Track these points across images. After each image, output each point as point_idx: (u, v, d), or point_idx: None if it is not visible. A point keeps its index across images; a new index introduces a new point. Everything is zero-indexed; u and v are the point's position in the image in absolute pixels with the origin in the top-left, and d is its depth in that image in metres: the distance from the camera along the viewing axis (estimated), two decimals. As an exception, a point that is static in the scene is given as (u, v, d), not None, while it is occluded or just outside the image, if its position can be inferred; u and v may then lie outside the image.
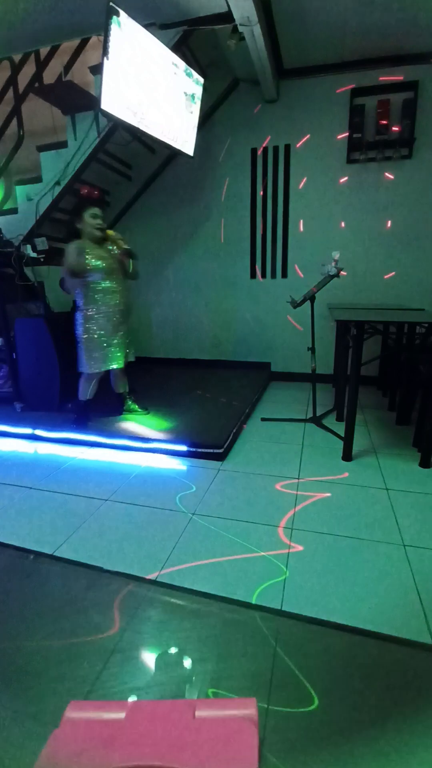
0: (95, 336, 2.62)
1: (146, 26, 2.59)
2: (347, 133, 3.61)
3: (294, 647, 1.18)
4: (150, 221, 4.39)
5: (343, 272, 2.56)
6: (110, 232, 2.65)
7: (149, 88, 2.78)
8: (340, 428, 2.57)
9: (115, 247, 2.67)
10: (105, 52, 2.40)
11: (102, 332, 2.63)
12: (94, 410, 2.90)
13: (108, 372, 2.83)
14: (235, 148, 3.96)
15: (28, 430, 2.79)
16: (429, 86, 3.39)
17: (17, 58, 3.53)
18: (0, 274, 3.09)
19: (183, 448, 2.50)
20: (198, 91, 3.25)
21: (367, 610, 1.30)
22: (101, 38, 2.42)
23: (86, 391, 2.75)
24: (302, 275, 3.97)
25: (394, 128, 3.47)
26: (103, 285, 2.60)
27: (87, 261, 2.51)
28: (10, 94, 3.63)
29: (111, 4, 2.32)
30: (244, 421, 2.96)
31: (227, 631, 1.25)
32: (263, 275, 4.17)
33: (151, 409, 3.10)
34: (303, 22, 2.95)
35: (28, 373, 3.06)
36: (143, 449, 2.56)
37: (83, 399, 2.78)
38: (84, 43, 3.28)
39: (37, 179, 3.43)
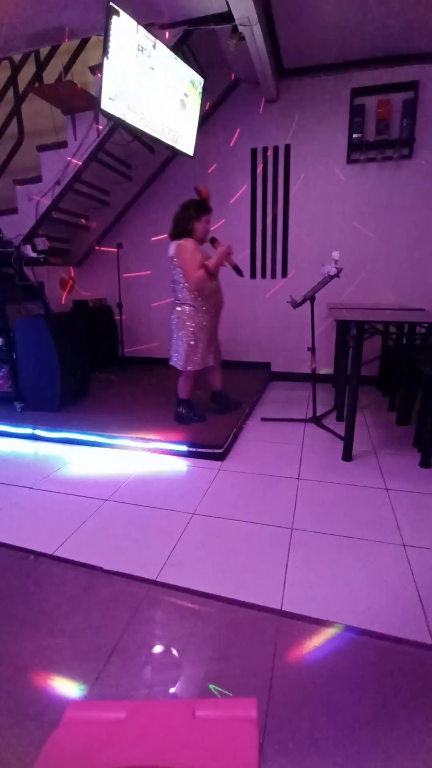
0: (201, 333, 2.63)
1: (146, 26, 2.59)
2: (347, 133, 3.61)
3: (294, 647, 1.18)
4: (150, 221, 4.38)
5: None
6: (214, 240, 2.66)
7: (149, 87, 2.79)
8: (340, 428, 2.57)
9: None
10: (105, 52, 2.40)
11: (206, 328, 2.66)
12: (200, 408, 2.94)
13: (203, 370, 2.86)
14: (235, 148, 3.96)
15: (28, 430, 2.79)
16: (429, 86, 3.39)
17: (17, 58, 3.53)
18: (0, 274, 3.09)
19: (183, 448, 2.50)
20: (198, 91, 3.25)
21: (367, 610, 1.30)
22: (101, 38, 2.43)
23: (188, 387, 2.78)
24: (302, 275, 3.97)
25: (394, 128, 3.47)
26: (210, 285, 2.63)
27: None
28: (10, 94, 3.63)
29: (111, 4, 2.33)
30: (244, 421, 2.96)
31: (227, 631, 1.25)
32: (263, 275, 4.17)
33: (152, 409, 3.10)
34: (303, 22, 2.95)
35: (28, 373, 3.06)
36: (143, 449, 2.56)
37: (187, 397, 2.79)
38: (84, 43, 3.28)
39: (37, 179, 3.43)
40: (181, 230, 2.57)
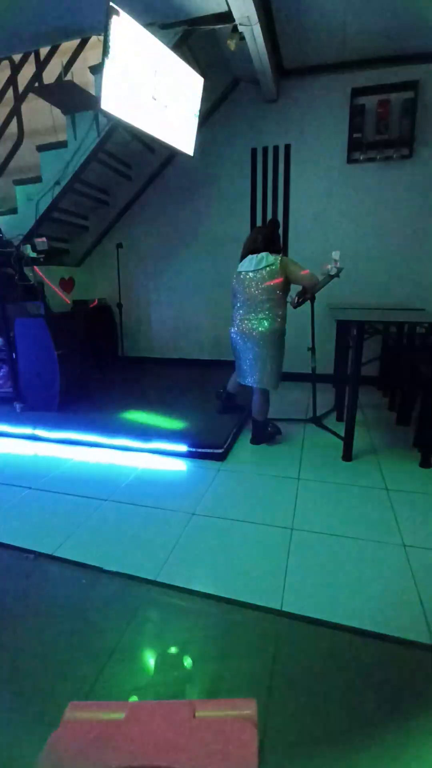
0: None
1: (146, 26, 2.59)
2: (347, 133, 3.61)
3: (294, 647, 1.18)
4: (150, 221, 4.39)
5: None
6: None
7: (149, 87, 2.78)
8: (340, 428, 2.57)
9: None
10: (105, 51, 2.40)
11: None
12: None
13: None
14: (235, 148, 3.96)
15: (28, 430, 2.79)
16: (429, 86, 3.39)
17: (17, 58, 3.53)
18: (0, 273, 3.09)
19: (183, 448, 2.50)
20: (198, 90, 3.25)
21: (367, 610, 1.30)
22: (101, 38, 2.43)
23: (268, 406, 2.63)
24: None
25: (394, 128, 3.47)
26: None
27: None
28: (10, 94, 3.63)
29: (111, 4, 2.32)
30: (244, 421, 2.96)
31: (227, 631, 1.25)
32: (263, 275, 4.17)
33: (151, 410, 3.11)
34: (303, 22, 2.95)
35: (28, 373, 3.06)
36: (143, 449, 2.56)
37: (266, 418, 2.64)
38: (84, 43, 3.28)
39: (37, 179, 3.43)
40: (278, 246, 2.54)
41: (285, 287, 2.46)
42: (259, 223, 4.07)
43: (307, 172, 3.83)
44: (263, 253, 2.43)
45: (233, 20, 2.60)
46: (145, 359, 4.77)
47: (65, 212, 3.87)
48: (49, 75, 3.36)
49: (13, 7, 2.69)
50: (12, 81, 3.61)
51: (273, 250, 2.47)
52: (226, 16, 2.62)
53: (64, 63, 3.22)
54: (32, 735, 0.94)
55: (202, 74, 3.22)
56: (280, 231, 3.98)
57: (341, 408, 3.06)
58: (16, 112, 3.63)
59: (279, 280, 2.40)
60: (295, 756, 0.91)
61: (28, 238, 3.37)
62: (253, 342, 2.46)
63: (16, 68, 3.56)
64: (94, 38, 3.17)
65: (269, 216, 4.03)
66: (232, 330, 2.57)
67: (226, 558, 1.57)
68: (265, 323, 2.43)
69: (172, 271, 4.50)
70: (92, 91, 3.01)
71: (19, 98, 3.60)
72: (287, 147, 3.83)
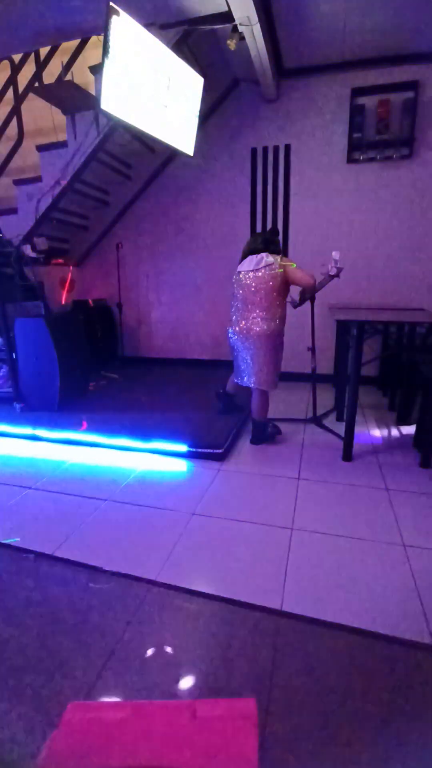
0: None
1: (146, 26, 2.59)
2: (347, 133, 3.61)
3: (294, 647, 1.18)
4: (150, 221, 4.39)
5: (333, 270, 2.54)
6: None
7: (149, 87, 2.78)
8: (340, 428, 2.57)
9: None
10: (105, 51, 2.40)
11: None
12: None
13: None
14: (235, 148, 3.96)
15: (28, 430, 2.79)
16: (429, 86, 3.39)
17: (17, 58, 3.53)
18: (0, 274, 3.09)
19: (183, 448, 2.50)
20: (198, 91, 3.25)
21: (367, 610, 1.30)
22: (101, 38, 2.43)
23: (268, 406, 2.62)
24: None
25: (394, 128, 3.47)
26: None
27: None
28: (10, 94, 3.63)
29: (111, 4, 2.32)
30: (245, 421, 2.96)
31: (227, 631, 1.25)
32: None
33: (151, 410, 3.11)
34: (303, 22, 2.95)
35: (28, 373, 3.06)
36: (143, 449, 2.56)
37: (266, 418, 2.64)
38: (84, 43, 3.28)
39: (37, 179, 3.43)
40: (278, 247, 2.53)
41: (284, 287, 2.45)
42: (258, 222, 4.07)
43: (307, 172, 3.83)
44: (263, 254, 2.43)
45: (233, 20, 2.60)
46: (145, 359, 4.77)
47: (65, 212, 3.87)
48: (49, 75, 3.36)
49: (13, 7, 2.69)
50: (12, 81, 3.61)
51: (272, 250, 2.47)
52: (226, 16, 2.62)
53: (64, 63, 3.22)
54: (32, 735, 0.94)
55: (202, 74, 3.22)
56: (280, 232, 4.00)
57: (341, 408, 3.06)
58: (16, 112, 3.63)
59: (278, 280, 2.39)
60: (295, 756, 0.91)
61: (28, 238, 3.37)
62: (251, 342, 2.46)
63: (16, 68, 3.56)
64: (94, 38, 3.17)
65: (269, 216, 4.03)
66: (231, 330, 2.57)
67: (226, 558, 1.57)
68: (264, 324, 2.42)
69: (172, 271, 4.50)
70: (92, 91, 3.01)
71: (19, 98, 3.60)
72: (287, 147, 3.83)
